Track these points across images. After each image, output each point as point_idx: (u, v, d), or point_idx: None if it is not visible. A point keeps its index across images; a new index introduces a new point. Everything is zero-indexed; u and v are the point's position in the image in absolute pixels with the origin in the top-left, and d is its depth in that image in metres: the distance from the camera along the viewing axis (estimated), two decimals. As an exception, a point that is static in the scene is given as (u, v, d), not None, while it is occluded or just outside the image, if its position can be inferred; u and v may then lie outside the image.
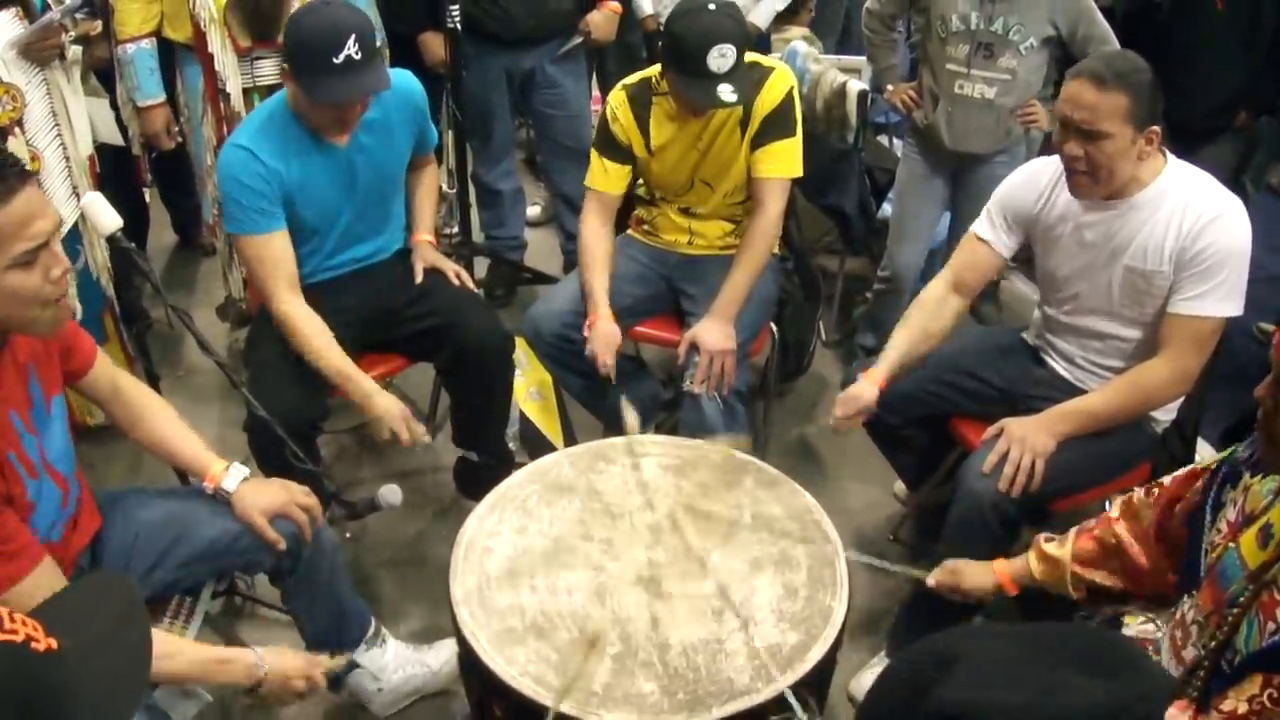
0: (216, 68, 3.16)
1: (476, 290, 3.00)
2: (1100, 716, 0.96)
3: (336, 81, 2.40)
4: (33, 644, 1.11)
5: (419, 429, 2.61)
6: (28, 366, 1.88)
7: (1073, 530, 2.03)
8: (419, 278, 2.86)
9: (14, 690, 1.07)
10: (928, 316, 2.57)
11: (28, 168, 1.77)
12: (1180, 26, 3.26)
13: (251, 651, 1.91)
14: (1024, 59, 3.16)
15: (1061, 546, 2.01)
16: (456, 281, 2.88)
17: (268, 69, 3.21)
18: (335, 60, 2.36)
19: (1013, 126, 3.28)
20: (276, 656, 1.92)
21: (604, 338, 2.81)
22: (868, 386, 2.50)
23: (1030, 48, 3.14)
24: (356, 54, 2.38)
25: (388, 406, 2.59)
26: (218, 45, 3.13)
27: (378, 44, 2.60)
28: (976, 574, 2.13)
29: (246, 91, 3.21)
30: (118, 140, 3.32)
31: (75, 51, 2.93)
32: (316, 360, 2.58)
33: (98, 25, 3.13)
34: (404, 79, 2.71)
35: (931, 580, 2.19)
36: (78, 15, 2.93)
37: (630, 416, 2.42)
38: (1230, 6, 3.21)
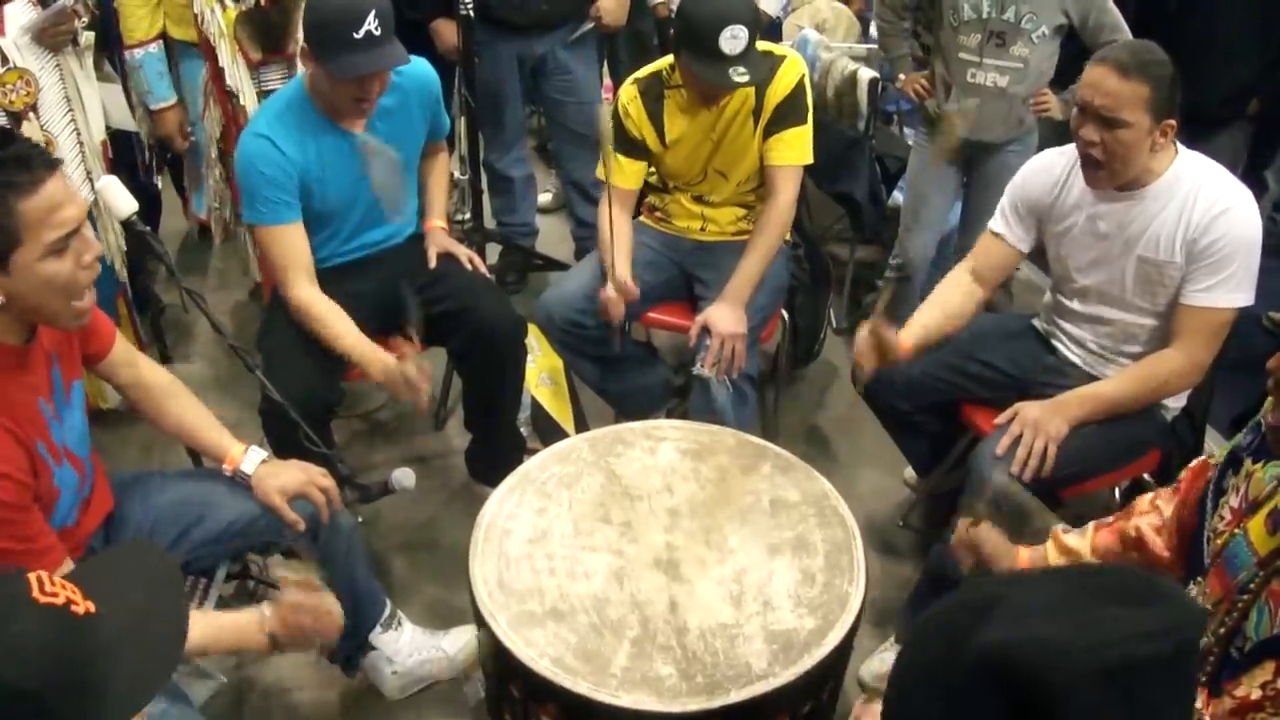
0: (228, 80, 3.17)
1: (489, 276, 3.00)
2: (1141, 640, 0.97)
3: (357, 56, 2.41)
4: (72, 607, 1.12)
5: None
6: (51, 354, 1.89)
7: (1090, 524, 2.04)
8: (433, 263, 2.86)
9: (55, 652, 1.09)
10: (950, 299, 2.59)
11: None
12: (1193, 15, 3.26)
13: (254, 611, 1.87)
14: (1036, 47, 3.16)
15: (1081, 538, 2.02)
16: (470, 266, 2.89)
17: (273, 75, 3.23)
18: (356, 35, 2.38)
19: (1025, 115, 3.28)
20: (275, 606, 1.87)
21: (617, 297, 2.79)
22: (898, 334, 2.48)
23: (1042, 36, 3.14)
24: (376, 30, 2.40)
25: (406, 370, 2.53)
26: (228, 59, 3.14)
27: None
28: (1000, 549, 2.06)
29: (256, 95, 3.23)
30: (130, 126, 3.33)
31: (88, 37, 2.94)
32: (335, 343, 2.59)
33: None
34: (419, 66, 2.71)
35: (958, 534, 2.10)
36: (90, 0, 2.94)
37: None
38: (1243, -6, 3.22)
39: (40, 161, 1.67)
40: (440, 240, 2.92)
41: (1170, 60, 2.21)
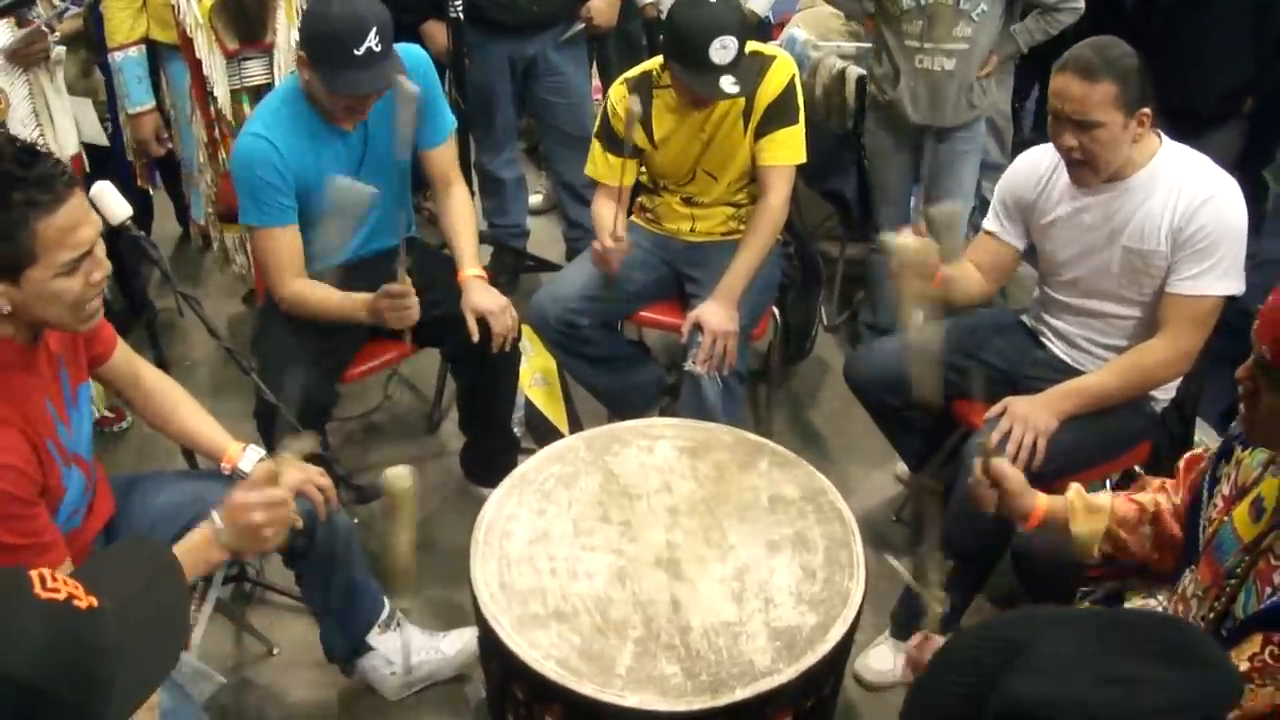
0: (205, 72, 3.16)
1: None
2: (1178, 712, 0.96)
3: (356, 73, 2.41)
4: (75, 602, 1.13)
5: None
6: (58, 356, 1.91)
7: (1104, 492, 2.04)
8: (475, 336, 2.70)
9: (60, 647, 1.09)
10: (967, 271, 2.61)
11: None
12: (1188, 15, 3.28)
13: (206, 525, 1.83)
14: (978, 24, 3.16)
15: (1099, 499, 2.01)
16: (504, 345, 2.76)
17: (255, 69, 3.22)
18: (356, 52, 2.38)
19: (975, 98, 3.30)
20: (225, 508, 1.82)
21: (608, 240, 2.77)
22: None
23: (982, 13, 3.14)
24: (377, 46, 2.40)
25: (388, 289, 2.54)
26: (204, 49, 3.13)
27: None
28: (1020, 486, 1.99)
29: (235, 93, 3.22)
30: (101, 140, 3.32)
31: (58, 51, 2.93)
32: (328, 313, 2.62)
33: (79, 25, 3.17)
34: (409, 52, 2.67)
35: (977, 473, 2.03)
36: (65, 16, 2.93)
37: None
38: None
39: (62, 181, 1.68)
40: (476, 299, 2.71)
41: (1133, 50, 2.23)
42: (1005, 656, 0.99)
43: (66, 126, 2.98)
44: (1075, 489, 2.04)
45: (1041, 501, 2.02)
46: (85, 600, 1.14)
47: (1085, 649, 0.99)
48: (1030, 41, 3.32)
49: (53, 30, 2.87)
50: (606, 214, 2.86)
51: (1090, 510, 2.00)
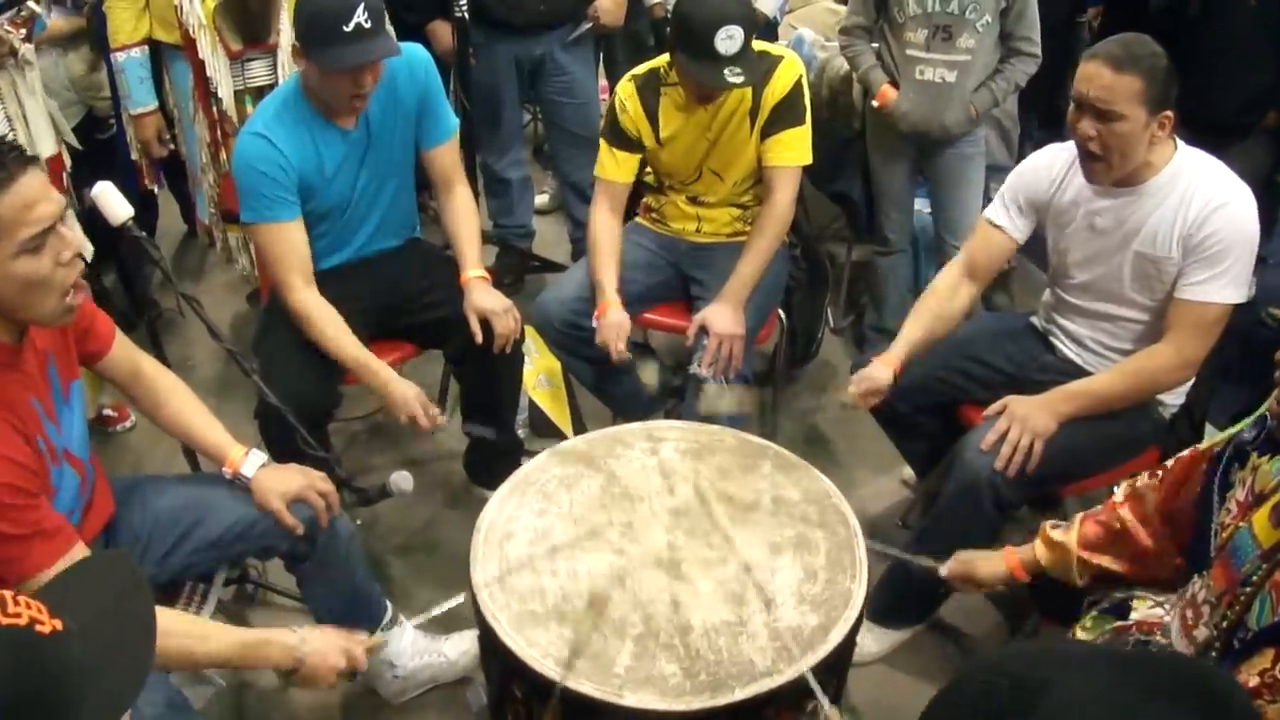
0: (209, 72, 3.16)
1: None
2: None
3: (347, 49, 2.41)
4: (37, 627, 1.09)
5: (435, 411, 2.60)
6: (47, 354, 1.88)
7: (1078, 516, 2.05)
8: (478, 338, 2.70)
9: (19, 676, 1.06)
10: (940, 302, 2.59)
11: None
12: (1211, 24, 3.25)
13: (290, 631, 1.88)
14: (981, 37, 3.15)
15: (1067, 532, 2.04)
16: (502, 345, 2.75)
17: (259, 70, 3.22)
18: (345, 28, 2.38)
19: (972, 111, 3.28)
20: (317, 636, 1.89)
21: (614, 326, 2.78)
22: (882, 369, 2.52)
23: (986, 25, 3.13)
24: (366, 22, 2.40)
25: (404, 392, 2.58)
26: (208, 50, 3.13)
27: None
28: (989, 563, 2.18)
29: (238, 94, 3.22)
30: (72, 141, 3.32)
31: (26, 51, 2.91)
32: (331, 349, 2.59)
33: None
34: (410, 51, 2.67)
35: (945, 571, 2.23)
36: (11, 14, 2.90)
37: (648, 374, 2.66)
38: (1262, 3, 3.20)
39: (13, 158, 1.66)
40: (479, 300, 2.71)
41: (1164, 52, 2.22)
42: (1021, 695, 0.95)
43: (41, 128, 2.96)
44: (1042, 528, 2.10)
45: (1013, 557, 2.13)
46: (49, 624, 1.10)
47: (1104, 690, 0.96)
48: (1001, 97, 3.28)
49: (23, 25, 2.84)
50: (603, 252, 2.87)
51: (1051, 546, 2.06)
